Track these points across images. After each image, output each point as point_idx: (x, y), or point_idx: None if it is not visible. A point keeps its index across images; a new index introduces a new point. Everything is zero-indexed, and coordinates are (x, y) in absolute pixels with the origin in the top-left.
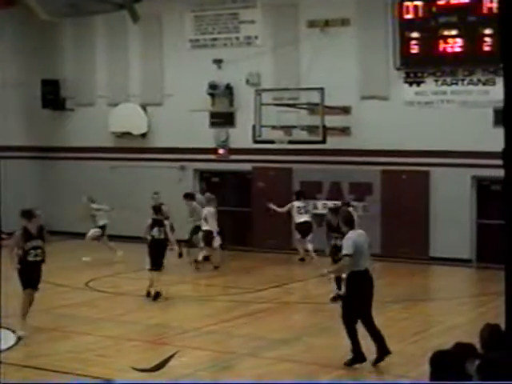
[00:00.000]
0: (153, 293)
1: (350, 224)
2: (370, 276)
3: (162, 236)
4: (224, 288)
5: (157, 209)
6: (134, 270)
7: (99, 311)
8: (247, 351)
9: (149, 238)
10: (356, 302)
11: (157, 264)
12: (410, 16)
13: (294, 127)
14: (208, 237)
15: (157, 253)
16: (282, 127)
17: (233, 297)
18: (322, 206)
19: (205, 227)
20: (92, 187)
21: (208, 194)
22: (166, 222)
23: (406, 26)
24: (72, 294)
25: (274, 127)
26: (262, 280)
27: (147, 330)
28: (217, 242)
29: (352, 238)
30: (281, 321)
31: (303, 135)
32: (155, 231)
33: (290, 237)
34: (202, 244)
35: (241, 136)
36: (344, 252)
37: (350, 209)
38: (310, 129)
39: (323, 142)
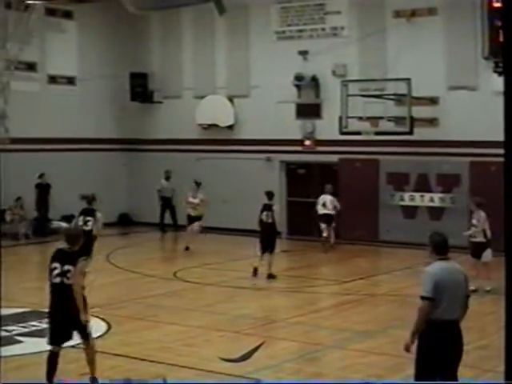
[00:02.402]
0: (267, 273)
1: (440, 250)
2: (456, 331)
3: (270, 220)
4: (310, 279)
5: (270, 195)
6: (221, 260)
7: (187, 301)
8: (333, 343)
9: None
10: (428, 369)
11: (264, 247)
12: (498, 4)
13: (381, 118)
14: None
15: (264, 236)
16: (368, 118)
17: (319, 288)
18: (409, 197)
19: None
20: (179, 179)
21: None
22: (274, 208)
23: (494, 15)
24: (160, 284)
25: (360, 118)
26: (349, 272)
27: (234, 321)
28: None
29: (434, 276)
30: (367, 313)
31: (390, 126)
32: (264, 215)
33: (377, 228)
34: (323, 225)
35: (327, 127)
36: (422, 293)
37: None
38: (397, 120)
39: (410, 133)
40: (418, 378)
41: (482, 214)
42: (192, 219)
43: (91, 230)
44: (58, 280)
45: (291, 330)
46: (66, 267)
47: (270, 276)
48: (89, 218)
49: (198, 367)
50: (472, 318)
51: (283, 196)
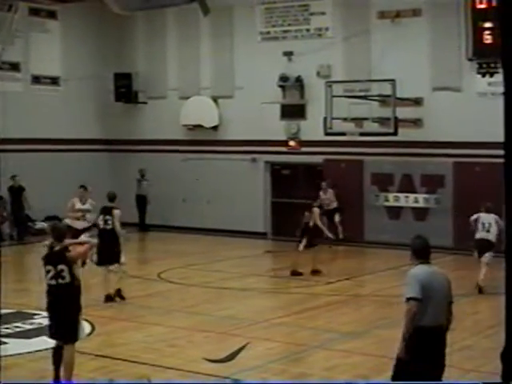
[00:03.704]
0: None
1: (421, 254)
2: (442, 337)
3: (310, 221)
4: (294, 280)
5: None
6: (205, 261)
7: (171, 302)
8: (318, 343)
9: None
10: (415, 373)
11: (310, 245)
12: (482, 5)
13: (366, 119)
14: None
15: (307, 235)
16: (353, 119)
17: (304, 289)
18: (394, 198)
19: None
20: (163, 180)
21: None
22: (314, 209)
23: (478, 16)
24: (144, 285)
25: (345, 119)
26: (334, 272)
27: (219, 322)
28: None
29: (418, 278)
30: (352, 313)
31: (374, 127)
32: (306, 216)
33: (362, 229)
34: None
35: (312, 128)
36: (408, 294)
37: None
38: (382, 121)
39: (395, 133)
40: (396, 380)
41: (496, 217)
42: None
43: (113, 229)
44: (53, 282)
45: (276, 330)
46: (60, 267)
47: (315, 272)
48: (108, 217)
49: (183, 368)
50: (456, 317)
51: (268, 197)
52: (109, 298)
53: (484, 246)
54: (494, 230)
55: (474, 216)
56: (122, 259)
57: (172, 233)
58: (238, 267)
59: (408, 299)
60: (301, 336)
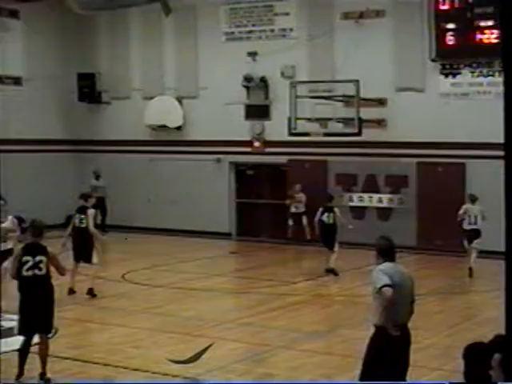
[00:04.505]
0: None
1: (386, 254)
2: (406, 335)
3: (331, 221)
4: (260, 281)
5: (330, 198)
6: (170, 262)
7: (135, 303)
8: (282, 343)
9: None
10: (381, 370)
11: (327, 245)
12: (445, 7)
13: (330, 119)
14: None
15: (325, 235)
16: (317, 119)
17: (268, 289)
18: (358, 198)
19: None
20: (128, 180)
21: None
22: (335, 209)
23: (441, 17)
24: (108, 286)
25: (309, 120)
26: (298, 272)
27: (183, 322)
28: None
29: (386, 271)
30: (316, 313)
31: (338, 128)
32: (325, 217)
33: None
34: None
35: (276, 128)
36: (380, 283)
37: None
38: (346, 121)
39: (359, 134)
40: (363, 379)
41: (481, 208)
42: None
43: (86, 228)
44: (30, 273)
45: (240, 331)
46: (38, 258)
47: (330, 271)
48: (83, 216)
49: (147, 369)
50: (419, 317)
51: (232, 197)
52: (71, 292)
53: (473, 235)
54: (479, 220)
55: (462, 209)
56: (94, 259)
57: (137, 233)
58: (202, 268)
59: (381, 287)
60: (265, 336)
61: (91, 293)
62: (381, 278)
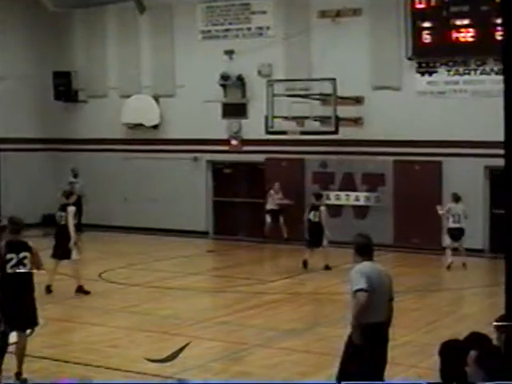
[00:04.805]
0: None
1: (364, 251)
2: (384, 333)
3: (317, 219)
4: (237, 279)
5: (318, 196)
6: (147, 261)
7: (112, 302)
8: (259, 342)
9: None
10: (358, 368)
11: (311, 243)
12: (422, 5)
13: (307, 118)
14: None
15: (311, 233)
16: (294, 118)
17: (245, 288)
18: (335, 196)
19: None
20: (105, 179)
21: None
22: (321, 208)
23: (418, 16)
24: (85, 286)
25: (286, 118)
26: (275, 271)
27: (160, 321)
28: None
29: (364, 272)
30: (293, 311)
31: (315, 126)
32: (312, 215)
33: (302, 228)
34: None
35: (253, 127)
36: (356, 287)
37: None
38: (323, 119)
39: (335, 132)
40: (341, 377)
41: (463, 207)
42: None
43: (66, 225)
44: (14, 270)
45: (217, 329)
46: (22, 254)
47: (327, 267)
48: (63, 214)
49: (124, 368)
50: (397, 314)
51: (209, 196)
52: (48, 290)
53: (457, 234)
54: (463, 219)
55: (445, 208)
56: (73, 256)
57: (113, 232)
58: (179, 266)
59: (356, 291)
60: (242, 335)
61: (82, 290)
62: (358, 281)
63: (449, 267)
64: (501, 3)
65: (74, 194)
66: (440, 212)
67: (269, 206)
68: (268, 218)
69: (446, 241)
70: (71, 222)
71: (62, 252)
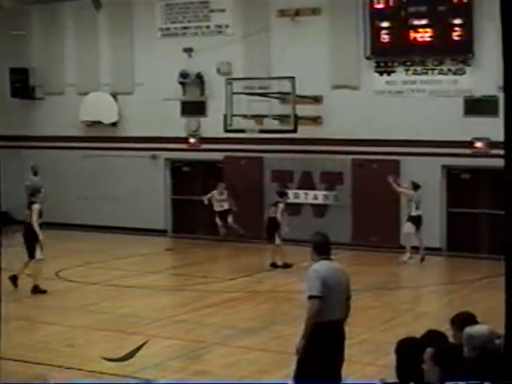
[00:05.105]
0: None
1: (322, 250)
2: (341, 331)
3: (273, 215)
4: (195, 277)
5: (278, 193)
6: (104, 259)
7: (69, 301)
8: (217, 340)
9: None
10: (315, 368)
11: (267, 239)
12: (380, 5)
13: (266, 116)
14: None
15: (266, 229)
16: (253, 116)
17: (203, 286)
18: (294, 195)
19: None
20: (62, 177)
21: None
22: (279, 205)
23: (376, 16)
24: (42, 284)
25: (245, 116)
26: (234, 269)
27: (117, 320)
28: None
29: (320, 273)
30: (251, 310)
31: (274, 124)
32: (271, 211)
33: (261, 226)
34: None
35: (212, 125)
36: (309, 293)
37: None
38: (282, 118)
39: (294, 131)
40: (298, 376)
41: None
42: None
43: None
44: None
45: (175, 328)
46: None
47: (272, 265)
48: (28, 211)
49: (81, 368)
50: (354, 312)
51: (168, 194)
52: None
53: (420, 221)
54: (421, 206)
55: (408, 196)
56: (37, 255)
57: (72, 231)
58: (137, 265)
59: (310, 297)
60: (200, 333)
61: (37, 290)
62: (313, 285)
63: (408, 260)
64: (501, 4)
65: (41, 192)
66: (399, 188)
67: (215, 208)
68: (218, 221)
69: (409, 228)
70: (35, 220)
71: (28, 251)
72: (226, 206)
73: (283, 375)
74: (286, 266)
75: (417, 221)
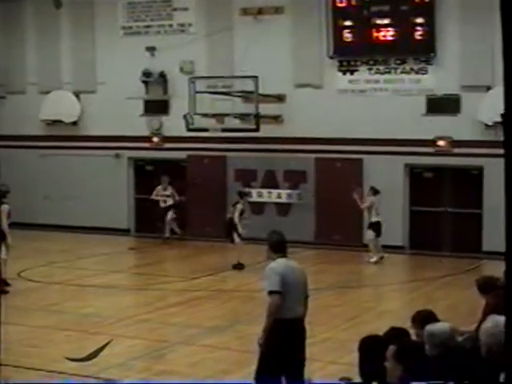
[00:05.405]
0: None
1: (278, 248)
2: (301, 329)
3: (230, 215)
4: (158, 277)
5: (239, 193)
6: (68, 259)
7: (31, 301)
8: (181, 339)
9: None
10: (276, 365)
11: (228, 237)
12: (343, 4)
13: (227, 115)
14: None
15: (226, 229)
16: (214, 115)
17: (167, 285)
18: (257, 194)
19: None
20: (22, 176)
21: None
22: (237, 205)
23: (339, 15)
24: (3, 284)
25: (206, 115)
26: (197, 268)
27: (81, 320)
28: None
29: (278, 271)
30: (214, 309)
31: (236, 123)
32: (230, 211)
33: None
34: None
35: (175, 124)
36: (269, 288)
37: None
38: (243, 117)
39: (257, 130)
40: (259, 375)
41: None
42: None
43: None
44: None
45: (138, 327)
46: None
47: (237, 265)
48: None
49: (44, 368)
50: (317, 311)
51: (131, 193)
52: None
53: (380, 227)
54: (381, 211)
55: (368, 203)
56: (2, 255)
57: (33, 231)
58: (100, 264)
59: (270, 293)
60: (164, 332)
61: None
62: (271, 280)
63: (380, 260)
64: (500, 4)
65: (9, 192)
66: (363, 205)
67: (161, 205)
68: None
69: (370, 235)
70: (4, 221)
71: None
72: (169, 201)
73: (246, 374)
74: (239, 265)
75: (377, 227)
